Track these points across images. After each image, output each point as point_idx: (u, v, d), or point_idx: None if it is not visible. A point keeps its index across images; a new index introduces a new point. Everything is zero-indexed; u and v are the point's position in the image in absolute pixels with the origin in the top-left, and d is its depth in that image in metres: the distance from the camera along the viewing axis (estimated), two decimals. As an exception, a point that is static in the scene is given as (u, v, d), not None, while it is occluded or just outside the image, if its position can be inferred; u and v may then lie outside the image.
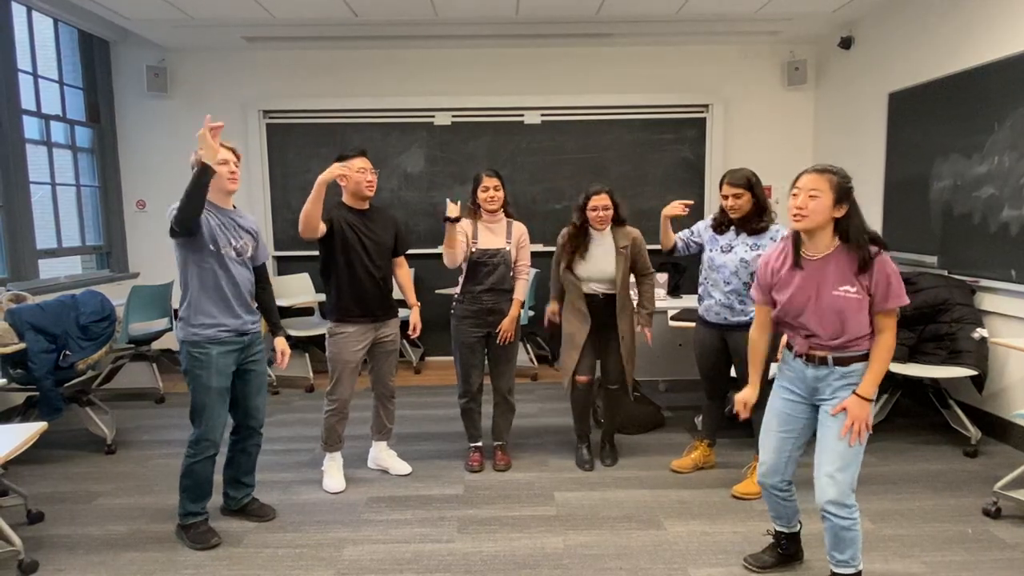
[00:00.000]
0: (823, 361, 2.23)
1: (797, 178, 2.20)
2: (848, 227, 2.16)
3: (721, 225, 3.20)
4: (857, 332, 2.16)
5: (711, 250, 3.20)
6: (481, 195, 3.36)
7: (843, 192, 2.14)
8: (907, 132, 4.59)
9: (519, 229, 3.49)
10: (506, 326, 3.42)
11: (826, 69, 5.70)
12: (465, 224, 3.37)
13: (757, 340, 2.46)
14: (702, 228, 3.29)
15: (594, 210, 3.32)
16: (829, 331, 2.19)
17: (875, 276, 2.13)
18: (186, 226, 2.58)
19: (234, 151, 2.77)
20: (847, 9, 4.93)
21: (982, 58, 3.90)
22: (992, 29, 3.85)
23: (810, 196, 2.14)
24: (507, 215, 3.48)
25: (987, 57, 3.86)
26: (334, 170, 3.02)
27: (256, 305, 2.96)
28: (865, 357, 2.19)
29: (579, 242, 3.37)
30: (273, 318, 3.04)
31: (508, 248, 3.42)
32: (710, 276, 3.19)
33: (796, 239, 2.26)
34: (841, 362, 2.20)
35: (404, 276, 3.47)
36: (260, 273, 2.98)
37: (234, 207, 2.87)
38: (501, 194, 3.39)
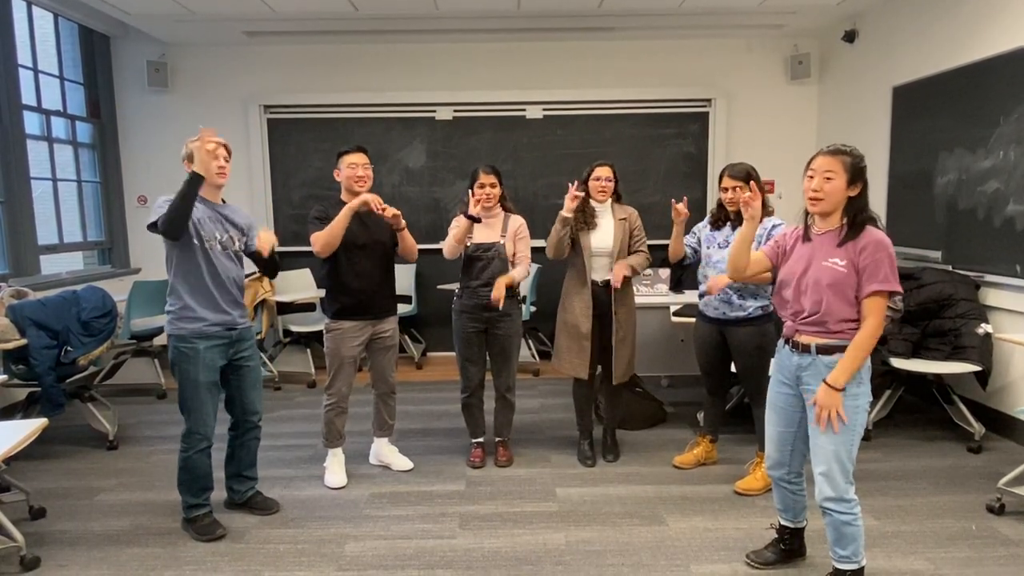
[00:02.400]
0: (806, 349, 2.23)
1: (811, 160, 2.20)
2: (855, 206, 2.16)
3: (718, 220, 3.20)
4: (839, 315, 2.15)
5: (708, 247, 3.20)
6: (477, 192, 3.34)
7: (857, 172, 2.15)
8: (911, 126, 4.56)
9: (516, 222, 3.46)
10: (497, 291, 3.25)
11: (830, 63, 5.66)
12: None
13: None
14: (700, 227, 3.29)
15: (597, 179, 3.35)
16: (810, 305, 2.18)
17: (866, 251, 2.11)
18: (174, 233, 2.60)
19: (225, 146, 2.76)
20: (851, 2, 4.90)
21: (987, 52, 3.87)
22: (997, 22, 3.82)
23: (825, 178, 2.15)
24: (505, 209, 3.46)
25: (992, 51, 3.83)
26: (365, 199, 3.04)
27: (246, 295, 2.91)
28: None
29: (583, 215, 3.36)
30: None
31: (502, 242, 3.40)
32: (708, 273, 3.19)
33: (807, 214, 2.26)
34: (824, 351, 2.19)
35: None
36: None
37: (223, 201, 2.86)
38: (497, 191, 3.37)
